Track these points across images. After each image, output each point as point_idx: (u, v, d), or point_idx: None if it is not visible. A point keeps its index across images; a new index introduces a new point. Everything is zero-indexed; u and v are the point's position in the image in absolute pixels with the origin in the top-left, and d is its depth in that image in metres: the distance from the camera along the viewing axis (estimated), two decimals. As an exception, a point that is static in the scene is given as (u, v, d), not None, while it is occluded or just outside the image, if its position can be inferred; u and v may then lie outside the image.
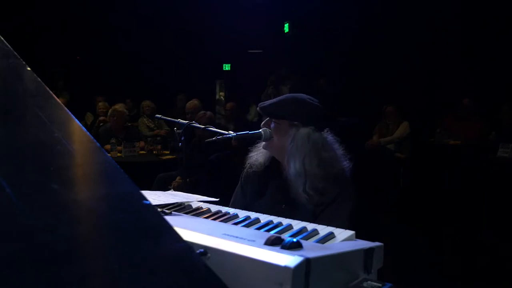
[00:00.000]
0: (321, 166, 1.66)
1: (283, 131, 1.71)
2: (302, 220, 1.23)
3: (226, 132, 1.84)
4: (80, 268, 0.51)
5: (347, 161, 1.74)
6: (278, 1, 8.53)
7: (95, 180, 0.74)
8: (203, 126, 2.03)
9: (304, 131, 1.67)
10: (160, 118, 2.42)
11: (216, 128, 2.07)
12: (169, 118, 2.36)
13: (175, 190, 3.03)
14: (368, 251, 0.99)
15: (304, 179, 1.64)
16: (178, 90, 8.06)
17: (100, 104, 6.75)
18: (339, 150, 1.74)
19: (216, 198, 1.49)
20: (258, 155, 1.82)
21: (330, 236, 1.09)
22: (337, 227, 1.15)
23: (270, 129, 1.74)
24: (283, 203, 1.72)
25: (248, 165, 1.84)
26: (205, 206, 1.41)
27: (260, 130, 1.75)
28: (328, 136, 1.74)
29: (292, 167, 1.65)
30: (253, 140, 1.86)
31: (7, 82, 0.86)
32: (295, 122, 1.69)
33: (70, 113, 0.80)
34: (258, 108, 1.81)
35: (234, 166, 1.78)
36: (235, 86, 10.03)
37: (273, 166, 1.80)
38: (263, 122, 1.80)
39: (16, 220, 0.54)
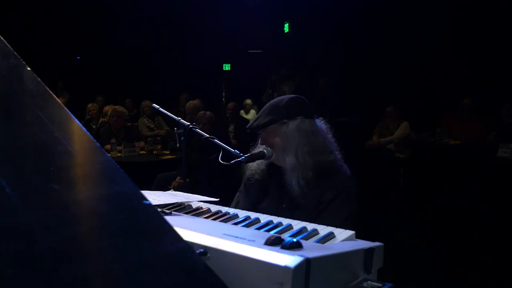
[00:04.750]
0: (312, 154, 1.70)
1: (276, 135, 1.74)
2: (303, 218, 1.23)
3: (233, 150, 1.85)
4: (80, 268, 0.51)
5: (339, 153, 1.78)
6: (278, 1, 8.54)
7: (95, 180, 0.74)
8: (207, 135, 2.02)
9: (293, 124, 1.72)
10: (158, 109, 2.34)
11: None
12: (167, 112, 2.29)
13: (175, 190, 3.02)
14: (368, 251, 1.00)
15: (298, 171, 1.68)
16: (178, 90, 8.06)
17: (90, 106, 6.76)
18: (330, 138, 1.79)
19: (216, 198, 1.49)
20: (256, 164, 1.84)
21: (330, 236, 1.09)
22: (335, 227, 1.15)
23: (267, 141, 1.76)
24: (283, 203, 1.74)
25: (251, 173, 1.85)
26: (205, 206, 1.41)
27: (262, 149, 1.76)
28: (320, 123, 1.79)
29: (287, 162, 1.70)
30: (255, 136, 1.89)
31: (7, 82, 0.86)
32: (284, 120, 1.72)
33: (70, 113, 0.80)
34: (248, 131, 1.83)
35: (234, 167, 1.78)
36: (235, 86, 10.03)
37: (273, 168, 1.82)
38: (258, 141, 1.82)
39: (16, 220, 0.54)
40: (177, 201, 1.39)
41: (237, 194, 1.94)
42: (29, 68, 0.86)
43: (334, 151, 1.78)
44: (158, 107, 2.36)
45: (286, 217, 1.26)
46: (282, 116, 1.73)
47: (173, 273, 0.56)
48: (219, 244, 0.87)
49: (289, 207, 1.71)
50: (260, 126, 1.76)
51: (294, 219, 1.24)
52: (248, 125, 1.82)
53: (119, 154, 5.03)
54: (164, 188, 4.08)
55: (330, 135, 1.80)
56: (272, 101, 1.84)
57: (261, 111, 1.81)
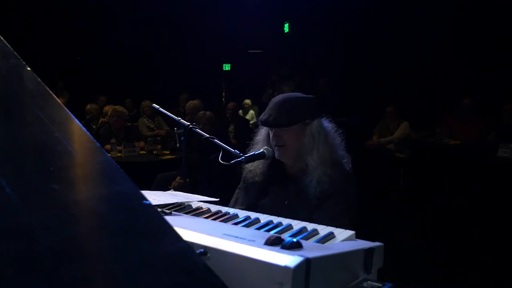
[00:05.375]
0: (330, 153, 1.73)
1: (297, 134, 1.73)
2: (304, 215, 1.24)
3: (233, 150, 1.85)
4: (80, 268, 0.51)
5: (344, 151, 1.81)
6: (278, 1, 8.54)
7: (95, 180, 0.74)
8: (207, 135, 2.02)
9: (315, 124, 1.74)
10: (158, 109, 2.34)
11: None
12: (167, 112, 2.30)
13: (175, 190, 3.02)
14: (368, 251, 1.00)
15: (319, 170, 1.69)
16: (178, 90, 8.07)
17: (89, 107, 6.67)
18: (338, 136, 1.82)
19: (216, 198, 1.49)
20: (255, 165, 1.83)
21: (330, 236, 1.09)
22: (333, 223, 1.15)
23: (281, 139, 1.74)
24: (285, 199, 1.75)
25: (250, 174, 1.85)
26: (205, 206, 1.41)
27: (262, 150, 1.76)
28: (329, 123, 1.82)
29: (311, 161, 1.70)
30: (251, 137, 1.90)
31: (7, 82, 0.86)
32: (307, 120, 1.73)
33: (70, 113, 0.80)
34: (261, 124, 1.80)
35: (234, 167, 1.78)
36: (235, 86, 10.03)
37: (275, 166, 1.82)
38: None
39: (16, 220, 0.54)
40: (177, 201, 1.39)
41: (237, 191, 1.93)
42: (29, 68, 0.86)
43: (342, 149, 1.81)
44: (158, 107, 2.36)
45: (287, 214, 1.27)
46: (306, 116, 1.73)
47: (173, 273, 0.56)
48: (219, 244, 0.87)
49: (290, 204, 1.72)
50: (283, 124, 1.73)
51: (295, 215, 1.24)
52: (264, 118, 1.75)
53: (119, 154, 5.03)
54: (164, 188, 4.08)
55: (339, 135, 1.82)
56: (285, 98, 1.78)
57: (274, 107, 1.74)
